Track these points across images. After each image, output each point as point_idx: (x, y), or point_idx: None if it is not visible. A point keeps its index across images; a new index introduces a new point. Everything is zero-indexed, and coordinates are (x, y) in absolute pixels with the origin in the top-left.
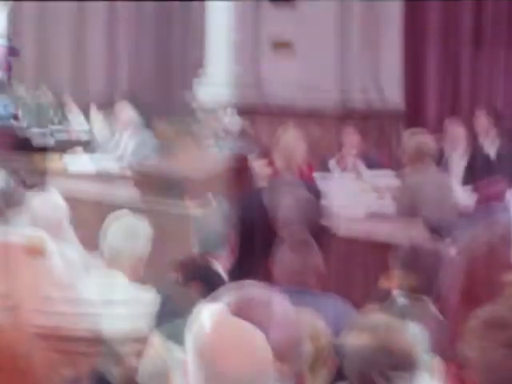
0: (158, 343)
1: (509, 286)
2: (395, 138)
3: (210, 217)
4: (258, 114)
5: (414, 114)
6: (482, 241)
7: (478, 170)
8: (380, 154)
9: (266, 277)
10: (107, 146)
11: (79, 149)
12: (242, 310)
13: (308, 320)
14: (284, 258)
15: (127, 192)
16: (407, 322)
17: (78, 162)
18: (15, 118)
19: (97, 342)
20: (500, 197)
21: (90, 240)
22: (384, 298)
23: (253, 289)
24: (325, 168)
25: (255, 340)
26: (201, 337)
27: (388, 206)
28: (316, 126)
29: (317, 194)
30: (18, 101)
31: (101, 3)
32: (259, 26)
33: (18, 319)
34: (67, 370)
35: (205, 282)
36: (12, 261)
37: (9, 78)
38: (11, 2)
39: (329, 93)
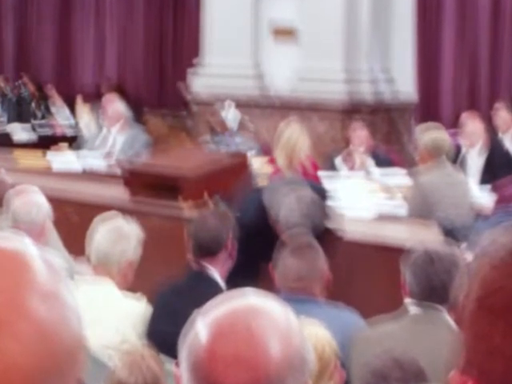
0: (149, 355)
1: None
2: (407, 133)
3: (206, 219)
4: (258, 107)
5: (427, 107)
6: (501, 245)
7: (497, 168)
8: (390, 150)
9: (267, 283)
10: (94, 142)
11: (64, 145)
12: (240, 320)
13: (312, 331)
14: (286, 263)
15: (116, 192)
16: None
17: (63, 159)
18: None
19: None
20: None
21: (76, 244)
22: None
23: (252, 297)
24: (330, 166)
25: (255, 352)
26: (196, 349)
27: (399, 206)
28: (321, 121)
29: (322, 194)
30: None
31: None
32: (260, 11)
33: None
34: None
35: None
36: None
37: None
38: None
39: (335, 84)
